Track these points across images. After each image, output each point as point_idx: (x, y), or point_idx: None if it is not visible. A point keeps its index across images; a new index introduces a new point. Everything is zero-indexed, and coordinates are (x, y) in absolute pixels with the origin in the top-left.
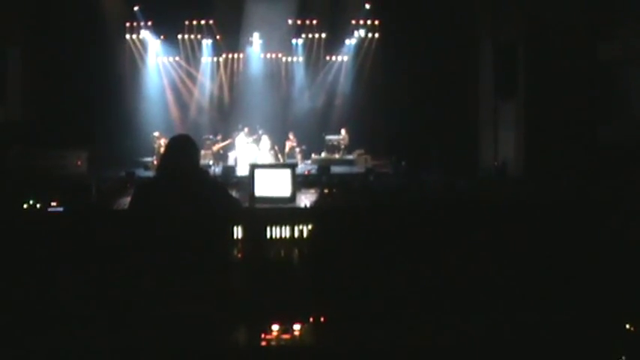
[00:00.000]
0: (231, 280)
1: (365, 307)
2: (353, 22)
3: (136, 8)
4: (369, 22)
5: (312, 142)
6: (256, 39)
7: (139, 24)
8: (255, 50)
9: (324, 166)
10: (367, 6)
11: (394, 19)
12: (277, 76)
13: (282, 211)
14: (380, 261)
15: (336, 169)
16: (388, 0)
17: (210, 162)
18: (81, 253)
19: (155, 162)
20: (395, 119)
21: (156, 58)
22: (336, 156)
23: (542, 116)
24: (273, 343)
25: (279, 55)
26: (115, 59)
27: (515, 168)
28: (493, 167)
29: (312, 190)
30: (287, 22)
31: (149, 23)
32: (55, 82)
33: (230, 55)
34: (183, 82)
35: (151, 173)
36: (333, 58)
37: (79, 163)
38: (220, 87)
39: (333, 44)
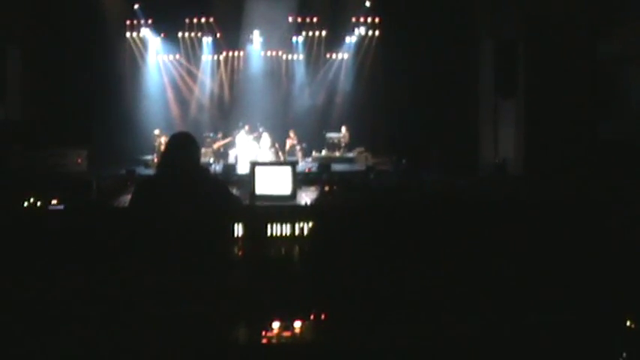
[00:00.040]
0: (231, 278)
1: (365, 304)
2: (353, 19)
3: (136, 6)
4: (369, 19)
5: (312, 140)
6: (256, 36)
7: (139, 22)
8: (256, 48)
9: (324, 164)
10: (367, 3)
11: (394, 17)
12: (277, 73)
13: (282, 208)
14: (380, 259)
15: (336, 167)
16: None
17: (211, 160)
18: (81, 250)
19: (155, 160)
20: (395, 117)
21: (156, 56)
22: (337, 154)
23: (543, 114)
24: (273, 340)
25: (280, 53)
26: (115, 57)
27: (515, 166)
28: (493, 165)
29: (313, 188)
30: (287, 19)
31: (149, 21)
32: (56, 81)
33: (230, 53)
34: (183, 80)
35: (151, 171)
36: (334, 55)
37: (80, 161)
38: (221, 85)
39: (334, 42)
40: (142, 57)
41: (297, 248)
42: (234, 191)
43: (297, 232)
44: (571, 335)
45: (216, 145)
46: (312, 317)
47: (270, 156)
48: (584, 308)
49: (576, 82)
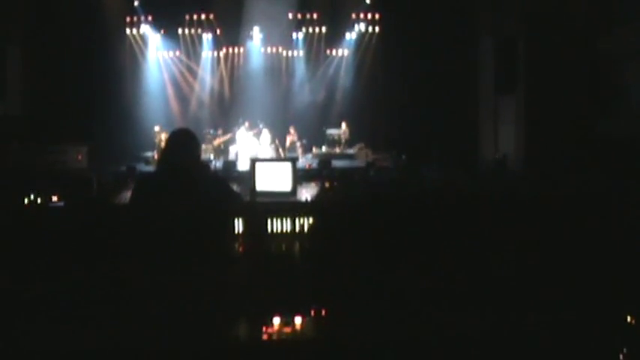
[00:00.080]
0: (232, 274)
1: (366, 300)
2: (353, 16)
3: (136, 3)
4: (369, 16)
5: (312, 136)
6: (256, 33)
7: (139, 19)
8: (256, 44)
9: (324, 160)
10: (367, 0)
11: (394, 14)
12: (278, 70)
13: (283, 205)
14: (380, 255)
15: (336, 163)
16: None
17: (211, 156)
18: (82, 247)
19: (156, 156)
20: (395, 113)
21: (156, 52)
22: (337, 150)
23: (542, 111)
24: (274, 336)
25: (280, 49)
26: (115, 54)
27: (516, 163)
28: (493, 161)
29: (313, 184)
30: (287, 15)
31: (149, 18)
32: (56, 78)
33: (230, 50)
34: (183, 76)
35: (151, 168)
36: (334, 52)
37: (80, 157)
38: (221, 81)
39: (334, 38)
40: (142, 53)
41: (297, 244)
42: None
43: (297, 229)
44: (571, 331)
45: (216, 142)
46: (312, 313)
47: (270, 152)
48: (585, 304)
49: (576, 80)
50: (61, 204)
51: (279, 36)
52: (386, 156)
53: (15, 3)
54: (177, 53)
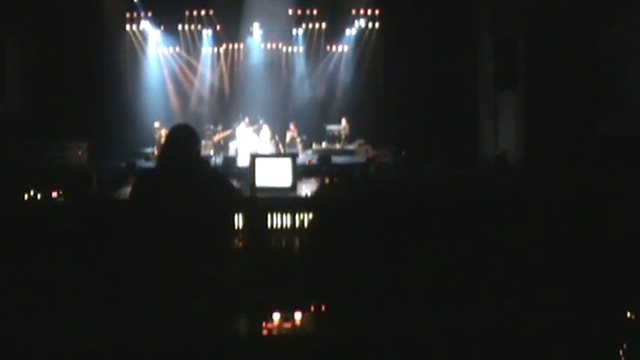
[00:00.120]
0: (232, 270)
1: (365, 295)
2: (353, 12)
3: None
4: (369, 12)
5: (312, 132)
6: (256, 29)
7: (138, 15)
8: (256, 40)
9: (324, 156)
10: None
11: (395, 9)
12: (277, 66)
13: (282, 200)
14: (380, 250)
15: (336, 159)
16: None
17: (211, 152)
18: (82, 242)
19: (156, 152)
20: (395, 109)
21: (156, 48)
22: (337, 146)
23: (543, 107)
24: (274, 331)
25: (280, 45)
26: (115, 50)
27: (516, 159)
28: (493, 157)
29: (313, 180)
30: (287, 11)
31: (149, 14)
32: (56, 74)
33: (230, 46)
34: (183, 72)
35: (151, 164)
36: (334, 48)
37: (80, 153)
38: (221, 77)
39: (334, 34)
40: (142, 49)
41: (297, 240)
42: (235, 183)
43: (297, 224)
44: (572, 326)
45: (216, 138)
46: (312, 308)
47: (270, 148)
48: (585, 300)
49: (576, 77)
50: (61, 200)
51: (279, 32)
52: (386, 152)
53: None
54: (177, 49)
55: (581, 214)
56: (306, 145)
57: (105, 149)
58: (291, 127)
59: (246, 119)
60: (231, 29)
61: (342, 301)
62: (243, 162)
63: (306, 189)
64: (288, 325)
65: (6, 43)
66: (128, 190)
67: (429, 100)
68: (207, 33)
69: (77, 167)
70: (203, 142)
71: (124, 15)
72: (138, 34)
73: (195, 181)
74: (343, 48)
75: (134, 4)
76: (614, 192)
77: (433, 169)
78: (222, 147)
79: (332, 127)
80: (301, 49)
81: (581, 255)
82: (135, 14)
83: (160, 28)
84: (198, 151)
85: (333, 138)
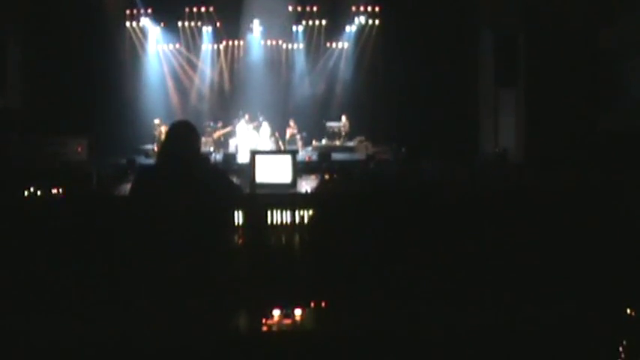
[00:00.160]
0: (232, 267)
1: (365, 292)
2: (353, 8)
3: None
4: (369, 8)
5: (312, 129)
6: (256, 26)
7: (139, 11)
8: (256, 37)
9: (324, 153)
10: None
11: (395, 6)
12: (278, 63)
13: (282, 197)
14: (380, 247)
15: (336, 156)
16: None
17: (211, 149)
18: (82, 239)
19: (156, 149)
20: (395, 106)
21: (156, 45)
22: (337, 143)
23: (543, 105)
24: (274, 328)
25: (280, 42)
26: (115, 47)
27: (516, 156)
28: (493, 154)
29: (313, 177)
30: (287, 8)
31: (149, 10)
32: (56, 70)
33: (230, 42)
34: (183, 69)
35: (151, 160)
36: (334, 44)
37: (80, 150)
38: (221, 74)
39: (334, 31)
40: (142, 46)
41: (297, 236)
42: (235, 180)
43: (297, 220)
44: (571, 323)
45: (216, 134)
46: (312, 305)
47: (270, 145)
48: (585, 296)
49: (577, 72)
50: (61, 196)
51: (279, 29)
52: (386, 149)
53: None
54: (177, 46)
55: (582, 211)
56: (306, 142)
57: (105, 146)
58: (291, 123)
59: (246, 116)
60: (231, 26)
61: (343, 297)
62: (243, 158)
63: (306, 185)
64: (288, 321)
65: (6, 42)
66: (128, 186)
67: (429, 98)
68: (207, 30)
69: (77, 164)
70: (203, 139)
71: (124, 12)
72: (138, 30)
73: (195, 177)
74: (343, 45)
75: (134, 0)
76: (614, 189)
77: (433, 166)
78: (222, 144)
79: (332, 124)
80: (301, 46)
81: (581, 251)
82: (135, 11)
83: (160, 24)
84: (198, 148)
85: (333, 135)
